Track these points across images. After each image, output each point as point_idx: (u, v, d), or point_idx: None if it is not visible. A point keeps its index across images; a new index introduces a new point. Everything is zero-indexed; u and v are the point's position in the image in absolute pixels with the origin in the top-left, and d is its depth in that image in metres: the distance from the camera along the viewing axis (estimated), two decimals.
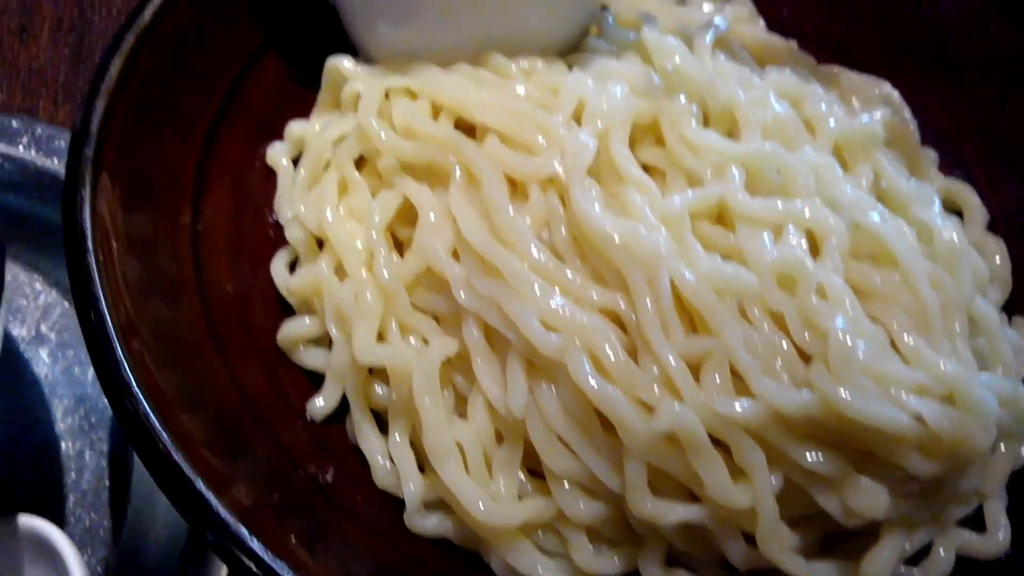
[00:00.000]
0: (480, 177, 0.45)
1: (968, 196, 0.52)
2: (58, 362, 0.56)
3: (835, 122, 0.48)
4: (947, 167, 0.54)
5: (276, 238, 0.52)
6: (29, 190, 0.60)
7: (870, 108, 0.53)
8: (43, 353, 0.56)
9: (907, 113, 0.55)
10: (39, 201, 0.60)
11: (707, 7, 0.60)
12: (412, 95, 0.50)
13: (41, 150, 0.60)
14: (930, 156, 0.54)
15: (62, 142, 0.60)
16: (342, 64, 0.52)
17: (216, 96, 0.53)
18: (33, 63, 0.69)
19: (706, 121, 0.48)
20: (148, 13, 0.48)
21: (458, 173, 0.46)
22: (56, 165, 0.59)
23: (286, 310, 0.50)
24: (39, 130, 0.60)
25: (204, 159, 0.52)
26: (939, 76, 0.57)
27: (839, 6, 0.59)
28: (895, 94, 0.55)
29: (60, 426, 0.53)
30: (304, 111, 0.56)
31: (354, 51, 0.54)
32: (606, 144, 0.45)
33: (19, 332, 0.56)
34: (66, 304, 0.58)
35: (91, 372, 0.55)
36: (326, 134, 0.51)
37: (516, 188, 0.46)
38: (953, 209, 0.52)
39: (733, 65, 0.50)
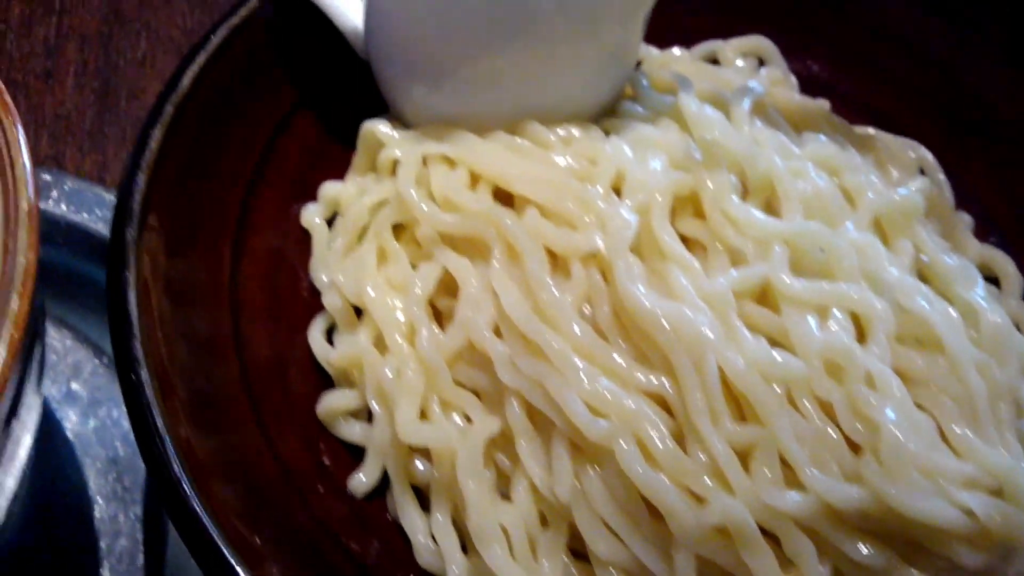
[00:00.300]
0: (521, 252, 0.45)
1: (1005, 265, 0.52)
2: (90, 421, 0.56)
3: (874, 194, 0.48)
4: (982, 232, 0.54)
5: (312, 302, 0.52)
6: (58, 244, 0.60)
7: (906, 173, 0.53)
8: (74, 412, 0.56)
9: (941, 175, 0.55)
10: (69, 255, 0.60)
11: (740, 63, 0.60)
12: (450, 162, 0.50)
13: (71, 204, 0.60)
14: (964, 220, 0.54)
15: (91, 195, 0.60)
16: (378, 129, 0.52)
17: (252, 158, 0.53)
18: (59, 109, 0.69)
19: (745, 190, 0.48)
20: (187, 80, 0.48)
21: (499, 247, 0.46)
22: (86, 220, 0.59)
23: (324, 378, 0.50)
24: (68, 184, 0.60)
25: (241, 223, 0.52)
26: (972, 137, 0.57)
27: (870, 65, 0.59)
28: (929, 157, 0.55)
29: (93, 488, 0.53)
30: (338, 169, 0.56)
31: (385, 106, 0.55)
32: (648, 219, 0.45)
33: (49, 390, 0.56)
34: (97, 361, 0.57)
35: (124, 432, 0.55)
36: (364, 200, 0.51)
37: (557, 262, 0.46)
38: (989, 276, 0.52)
39: (771, 132, 0.50)
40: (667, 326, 0.41)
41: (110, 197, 0.60)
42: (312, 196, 0.55)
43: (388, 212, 0.50)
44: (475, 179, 0.49)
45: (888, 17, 0.58)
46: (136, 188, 0.44)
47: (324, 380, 0.50)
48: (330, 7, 0.54)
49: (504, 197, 0.49)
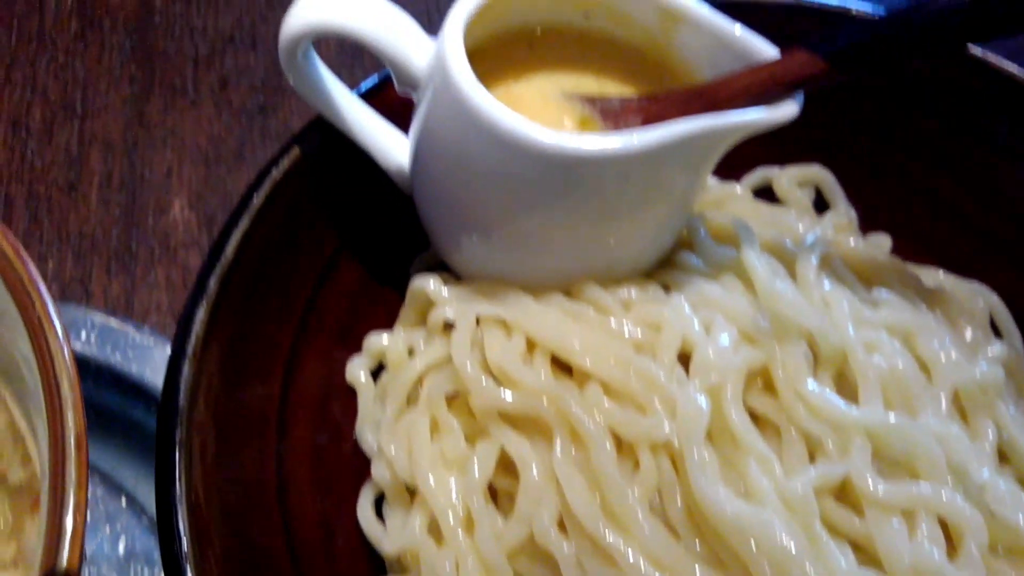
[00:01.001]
0: (586, 439, 0.43)
1: None
2: None
3: (951, 365, 0.46)
4: None
5: (359, 462, 0.50)
6: (87, 383, 0.57)
7: (979, 329, 0.51)
8: (108, 568, 0.54)
9: (1011, 325, 0.53)
10: (95, 394, 0.58)
11: (800, 194, 0.58)
12: (505, 326, 0.47)
13: (103, 342, 0.58)
14: None
15: (115, 330, 0.58)
16: (428, 287, 0.50)
17: (295, 316, 0.51)
18: (84, 226, 0.67)
19: (816, 357, 0.46)
20: (230, 250, 0.46)
21: (562, 432, 0.44)
22: (118, 360, 0.57)
23: (373, 552, 0.48)
24: (95, 320, 0.58)
25: (286, 384, 0.50)
26: None
27: (931, 197, 0.57)
28: (1000, 306, 0.53)
29: None
30: (383, 311, 0.54)
31: (427, 242, 0.52)
32: (719, 403, 0.43)
33: None
34: (131, 514, 0.55)
35: None
36: (415, 364, 0.48)
37: (623, 445, 0.44)
38: None
39: (840, 291, 0.48)
40: (748, 536, 0.39)
41: (139, 337, 0.58)
42: (357, 342, 0.53)
43: (441, 381, 0.47)
44: (531, 344, 0.47)
45: (949, 150, 0.56)
46: (181, 378, 0.42)
47: (372, 554, 0.48)
48: (374, 146, 0.52)
49: (563, 363, 0.46)
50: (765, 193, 0.60)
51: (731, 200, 0.56)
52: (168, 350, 0.58)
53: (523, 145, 0.42)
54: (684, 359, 0.46)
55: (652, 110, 0.48)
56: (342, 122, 0.51)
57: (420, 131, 0.48)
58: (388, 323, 0.53)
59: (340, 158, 0.52)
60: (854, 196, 0.58)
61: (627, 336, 0.46)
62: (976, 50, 0.52)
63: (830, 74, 0.43)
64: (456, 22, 0.45)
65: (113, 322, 0.58)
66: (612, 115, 0.49)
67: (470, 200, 0.47)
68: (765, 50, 0.45)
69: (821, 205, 0.59)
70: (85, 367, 0.57)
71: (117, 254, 0.65)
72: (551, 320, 0.47)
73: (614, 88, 0.51)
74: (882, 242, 0.56)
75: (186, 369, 0.43)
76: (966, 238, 0.56)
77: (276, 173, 0.49)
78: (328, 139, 0.51)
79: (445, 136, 0.46)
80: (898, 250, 0.57)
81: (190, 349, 0.44)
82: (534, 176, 0.44)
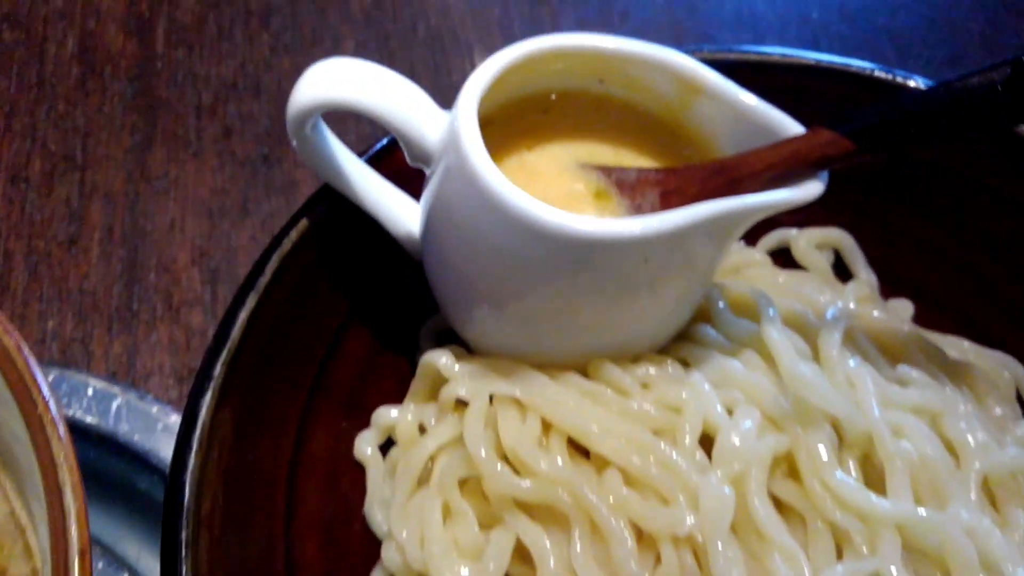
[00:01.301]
0: (605, 532, 0.42)
1: None
2: None
3: (980, 450, 0.45)
4: None
5: (368, 543, 0.49)
6: (89, 452, 0.56)
7: (1007, 405, 0.50)
8: None
9: None
10: (98, 463, 0.56)
11: (819, 257, 0.56)
12: (519, 406, 0.46)
13: (104, 410, 0.56)
14: None
15: (117, 396, 0.57)
16: (440, 362, 0.48)
17: (304, 389, 0.50)
18: (84, 283, 0.65)
19: (840, 439, 0.45)
20: (236, 333, 0.45)
21: (580, 523, 0.42)
22: (121, 429, 0.56)
23: None
24: (97, 386, 0.57)
25: (295, 461, 0.49)
26: None
27: (955, 263, 0.55)
28: None
29: None
30: (392, 383, 0.52)
31: (436, 306, 0.51)
32: (744, 493, 0.42)
33: None
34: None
35: None
36: (427, 444, 0.47)
37: (642, 535, 0.42)
38: None
39: (865, 369, 0.46)
40: None
41: (141, 405, 0.56)
42: (366, 415, 0.51)
43: (454, 464, 0.46)
44: (547, 425, 0.46)
45: (971, 214, 0.54)
46: (187, 474, 0.41)
47: None
48: (383, 214, 0.50)
49: (581, 445, 0.45)
50: (783, 253, 0.58)
51: (750, 266, 0.55)
52: (171, 418, 0.57)
53: (541, 230, 0.41)
54: (706, 441, 0.45)
55: (670, 184, 0.46)
56: (351, 191, 0.49)
57: (431, 205, 0.47)
58: (398, 393, 0.52)
59: (347, 225, 0.51)
60: (873, 258, 0.57)
61: (647, 419, 0.45)
62: None
63: (856, 154, 0.42)
64: (470, 98, 0.44)
65: (115, 389, 0.57)
66: (628, 187, 0.47)
67: (482, 278, 0.46)
68: (788, 126, 0.44)
69: (840, 266, 0.58)
70: (87, 436, 0.56)
71: (118, 313, 0.64)
72: (568, 402, 0.45)
73: (630, 157, 0.49)
74: (904, 309, 0.55)
75: (192, 462, 0.41)
76: (989, 304, 0.55)
77: (283, 247, 0.48)
78: (334, 207, 0.50)
79: (457, 214, 0.44)
80: (920, 316, 0.55)
81: (195, 442, 0.43)
82: (550, 259, 0.42)
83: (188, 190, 0.69)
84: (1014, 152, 0.52)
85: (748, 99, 0.45)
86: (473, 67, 0.76)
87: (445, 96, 0.75)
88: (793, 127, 0.44)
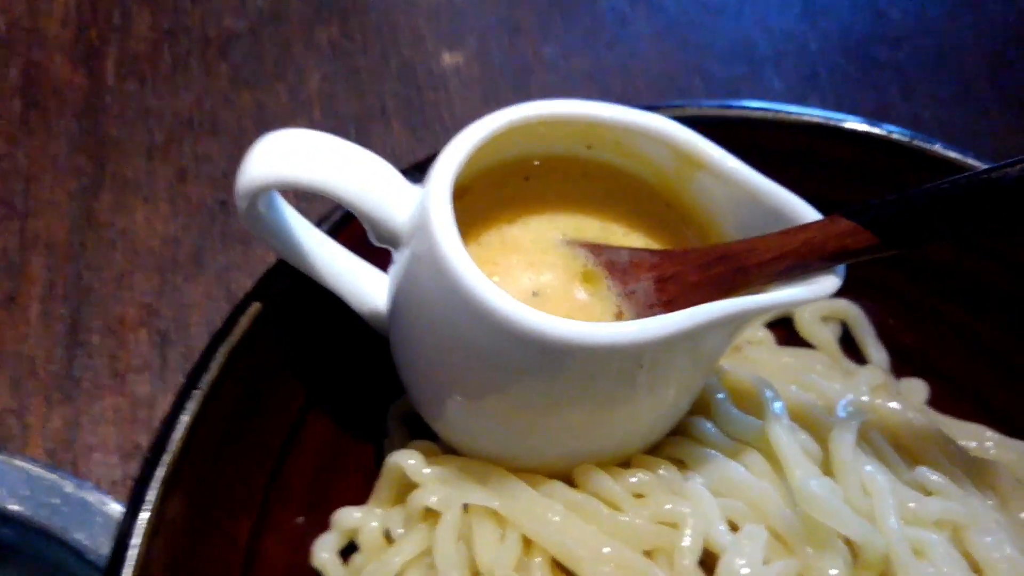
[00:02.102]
0: None
1: None
2: None
3: (1008, 570, 0.40)
4: None
5: None
6: (29, 541, 0.51)
7: None
8: None
9: None
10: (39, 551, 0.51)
11: (826, 331, 0.52)
12: (497, 518, 0.41)
13: (38, 502, 0.50)
14: None
15: (54, 484, 0.51)
16: (407, 464, 0.43)
17: (258, 491, 0.45)
18: (22, 346, 0.59)
19: (854, 555, 0.40)
20: (176, 442, 0.39)
21: None
22: (57, 523, 0.50)
23: None
24: (31, 472, 0.51)
25: (248, 567, 0.44)
26: None
27: (970, 340, 0.51)
28: None
29: None
30: (356, 477, 0.48)
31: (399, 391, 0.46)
32: None
33: None
34: None
35: None
36: (393, 560, 0.42)
37: None
38: None
39: (881, 475, 0.42)
40: None
41: (79, 493, 0.51)
42: (326, 515, 0.46)
43: None
44: (528, 541, 0.41)
45: (991, 289, 0.50)
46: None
47: None
48: (346, 290, 0.45)
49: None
50: (785, 322, 0.54)
51: (751, 344, 0.50)
52: (110, 507, 0.52)
53: (519, 333, 0.36)
54: (707, 555, 0.40)
55: (667, 269, 0.41)
56: (309, 267, 0.44)
57: (398, 288, 0.42)
58: (362, 488, 0.47)
59: (305, 302, 0.46)
60: (882, 331, 0.52)
61: (641, 537, 0.40)
62: None
63: (878, 249, 0.37)
64: (442, 177, 0.38)
65: (52, 477, 0.51)
66: (620, 270, 0.42)
67: (454, 374, 0.41)
68: (801, 211, 0.39)
69: (847, 338, 0.53)
70: (25, 527, 0.50)
71: (59, 380, 0.58)
72: (553, 518, 0.40)
73: (620, 232, 0.44)
74: (918, 391, 0.51)
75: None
76: (1010, 386, 0.50)
77: (232, 336, 0.42)
78: (291, 283, 0.45)
79: (427, 304, 0.39)
80: (935, 396, 0.51)
81: (131, 556, 0.37)
82: (530, 362, 0.37)
83: (137, 241, 0.63)
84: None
85: (756, 179, 0.40)
86: (450, 104, 0.71)
87: (419, 137, 0.70)
88: (806, 212, 0.39)
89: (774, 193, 0.40)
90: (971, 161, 0.48)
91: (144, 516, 0.38)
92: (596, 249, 0.43)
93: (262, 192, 0.40)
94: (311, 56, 0.72)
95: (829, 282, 0.38)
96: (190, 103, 0.69)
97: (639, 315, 0.41)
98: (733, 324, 0.38)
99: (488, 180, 0.44)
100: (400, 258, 0.41)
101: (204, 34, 0.73)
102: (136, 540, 0.37)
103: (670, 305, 0.40)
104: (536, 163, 0.45)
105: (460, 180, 0.40)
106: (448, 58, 0.73)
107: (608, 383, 0.38)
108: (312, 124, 0.69)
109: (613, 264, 0.43)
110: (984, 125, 0.73)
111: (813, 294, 0.38)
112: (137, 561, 0.37)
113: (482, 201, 0.44)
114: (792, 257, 0.38)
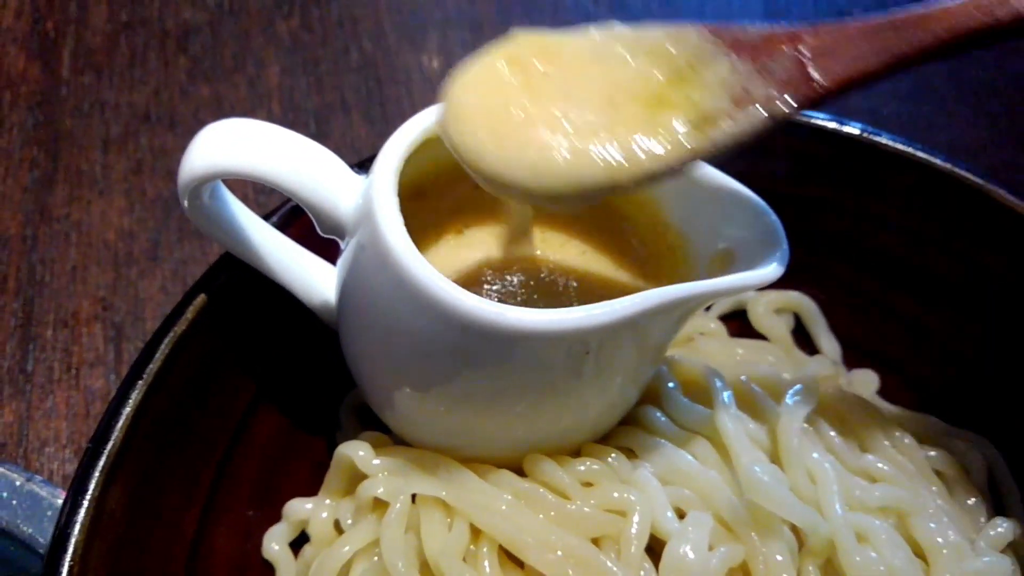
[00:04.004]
0: None
1: None
2: None
3: (952, 556, 0.41)
4: None
5: None
6: None
7: (978, 496, 0.46)
8: None
9: (1010, 482, 0.47)
10: None
11: (778, 322, 0.52)
12: (445, 508, 0.41)
13: None
14: None
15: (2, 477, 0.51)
16: (356, 456, 0.43)
17: (204, 483, 0.45)
18: None
19: (800, 542, 0.40)
20: (117, 433, 0.39)
21: None
22: (3, 516, 0.50)
23: None
24: None
25: (194, 557, 0.43)
26: None
27: (921, 334, 0.51)
28: (997, 459, 0.48)
29: None
30: (307, 468, 0.47)
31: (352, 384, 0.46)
32: None
33: None
34: None
35: None
36: (342, 550, 0.42)
37: None
38: None
39: (827, 462, 0.42)
40: None
41: (27, 486, 0.50)
42: (277, 506, 0.46)
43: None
44: (476, 530, 0.41)
45: (943, 282, 0.50)
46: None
47: None
48: (294, 283, 0.45)
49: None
50: (739, 315, 0.54)
51: (704, 336, 0.50)
52: (60, 501, 0.51)
53: (464, 320, 0.36)
54: (654, 542, 0.40)
55: (817, 43, 0.35)
56: (257, 260, 0.44)
57: (345, 279, 0.42)
58: (314, 481, 0.47)
59: (253, 295, 0.45)
60: (833, 322, 0.53)
61: (588, 525, 0.40)
62: (977, 179, 0.47)
63: None
64: (386, 165, 0.38)
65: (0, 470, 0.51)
66: (749, 47, 0.36)
67: (401, 364, 0.41)
68: (752, 201, 0.39)
69: (799, 330, 0.53)
70: None
71: (11, 375, 0.58)
72: (500, 506, 0.40)
73: (559, 239, 0.44)
74: (868, 381, 0.51)
75: (66, 566, 0.36)
76: (960, 377, 0.51)
77: (178, 327, 0.42)
78: (238, 277, 0.44)
79: (373, 294, 0.39)
80: (884, 386, 0.51)
81: (71, 545, 0.37)
82: (476, 350, 0.37)
83: (92, 234, 0.63)
84: (983, 216, 0.48)
85: (705, 170, 0.40)
86: (411, 99, 0.71)
87: (379, 131, 0.70)
88: (758, 202, 0.39)
89: (722, 184, 0.40)
90: (920, 154, 0.49)
91: (83, 508, 0.37)
92: (715, 29, 0.37)
93: (205, 182, 0.40)
94: (270, 47, 0.72)
95: (771, 270, 0.38)
96: (147, 96, 0.69)
97: (774, 95, 0.35)
98: (679, 310, 0.38)
99: (441, 183, 0.44)
100: (346, 248, 0.41)
101: (162, 27, 0.72)
102: (75, 531, 0.37)
103: (816, 82, 0.35)
104: None
105: (413, 178, 0.40)
106: (409, 52, 0.73)
107: (554, 371, 0.38)
108: (271, 117, 0.68)
109: (739, 42, 0.37)
110: (943, 119, 0.74)
111: (756, 279, 0.38)
112: (75, 551, 0.37)
113: (438, 206, 0.44)
114: (975, 27, 0.33)
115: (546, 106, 0.35)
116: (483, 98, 0.36)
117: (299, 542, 0.46)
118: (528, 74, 0.36)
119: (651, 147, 0.35)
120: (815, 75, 0.35)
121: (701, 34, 0.37)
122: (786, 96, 0.35)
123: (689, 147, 0.35)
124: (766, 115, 0.35)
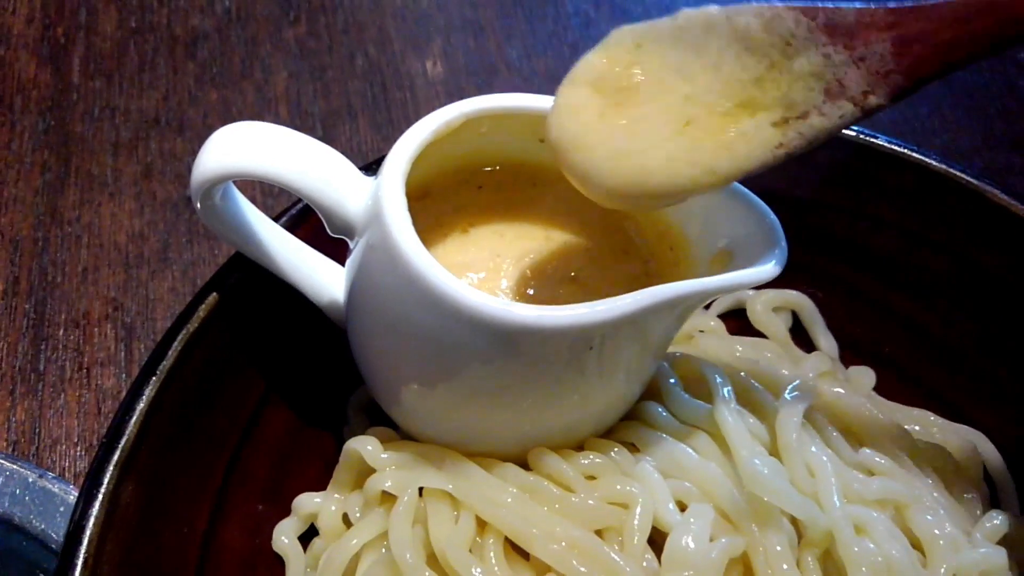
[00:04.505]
0: None
1: None
2: None
3: (948, 547, 0.42)
4: None
5: None
6: None
7: (973, 488, 0.47)
8: None
9: (1006, 477, 0.48)
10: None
11: (776, 321, 0.53)
12: (452, 501, 0.42)
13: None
14: None
15: (15, 474, 0.51)
16: (365, 450, 0.44)
17: (216, 478, 0.46)
18: None
19: (799, 533, 0.41)
20: (132, 427, 0.40)
21: None
22: (17, 512, 0.50)
23: None
24: None
25: (206, 549, 0.44)
26: None
27: (919, 333, 0.52)
28: (993, 453, 0.49)
29: None
30: (316, 464, 0.48)
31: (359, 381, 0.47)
32: None
33: None
34: None
35: None
36: (351, 542, 0.43)
37: None
38: None
39: (826, 456, 0.43)
40: None
41: (40, 483, 0.51)
42: (287, 500, 0.47)
43: (380, 568, 0.42)
44: (481, 522, 0.42)
45: (939, 281, 0.51)
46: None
47: None
48: (303, 282, 0.46)
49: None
50: (738, 313, 0.55)
51: (703, 333, 0.51)
52: (72, 498, 0.52)
53: (471, 316, 0.37)
54: (656, 535, 0.41)
55: (911, 27, 0.34)
56: (267, 259, 0.45)
57: (354, 278, 0.43)
58: (322, 476, 0.48)
59: (263, 294, 0.46)
60: (832, 321, 0.54)
61: (592, 517, 0.41)
62: (971, 179, 0.48)
63: None
64: (395, 166, 0.39)
65: (13, 467, 0.51)
66: (844, 33, 0.35)
67: (409, 361, 0.42)
68: (757, 202, 0.41)
69: (797, 328, 0.54)
70: None
71: (23, 374, 0.59)
72: (505, 499, 0.41)
73: (562, 239, 0.45)
74: (866, 378, 0.52)
75: (81, 558, 0.37)
76: (955, 374, 0.52)
77: (190, 325, 0.43)
78: (249, 275, 0.45)
79: (382, 292, 0.40)
80: (881, 383, 0.52)
81: (87, 537, 0.38)
82: (482, 346, 0.38)
83: (103, 236, 0.64)
84: (978, 216, 0.49)
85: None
86: (415, 104, 0.72)
87: (384, 135, 0.71)
88: (750, 196, 0.40)
89: (737, 192, 0.41)
90: (915, 155, 0.50)
91: (98, 502, 0.38)
92: (810, 12, 0.35)
93: (217, 184, 0.41)
94: (278, 54, 0.73)
95: (769, 268, 0.39)
96: (156, 101, 0.70)
97: (869, 88, 0.34)
98: (680, 307, 0.39)
99: (446, 185, 0.45)
100: (355, 248, 0.42)
101: (171, 33, 0.74)
102: (89, 524, 0.38)
103: (912, 71, 0.34)
104: (488, 169, 0.46)
105: (421, 182, 0.41)
106: (413, 58, 0.74)
107: (558, 367, 0.39)
108: (279, 122, 0.68)
109: (834, 27, 0.35)
110: (937, 122, 0.75)
111: (755, 277, 0.39)
112: (90, 543, 0.38)
113: (441, 206, 0.45)
114: None
115: (640, 117, 0.37)
116: (586, 124, 0.38)
117: (308, 535, 0.47)
118: (621, 88, 0.38)
119: (743, 148, 0.36)
120: (909, 66, 0.34)
121: (796, 18, 0.35)
122: (881, 90, 0.34)
123: (780, 144, 0.36)
124: (859, 111, 0.35)
